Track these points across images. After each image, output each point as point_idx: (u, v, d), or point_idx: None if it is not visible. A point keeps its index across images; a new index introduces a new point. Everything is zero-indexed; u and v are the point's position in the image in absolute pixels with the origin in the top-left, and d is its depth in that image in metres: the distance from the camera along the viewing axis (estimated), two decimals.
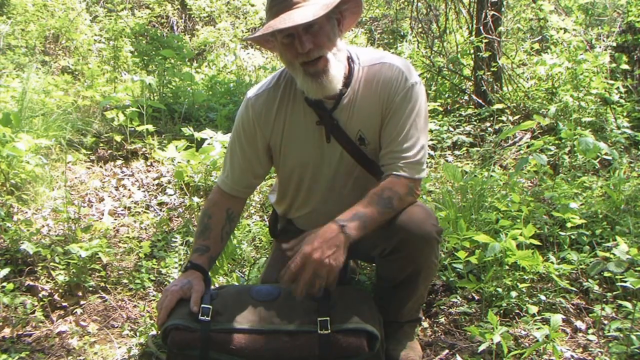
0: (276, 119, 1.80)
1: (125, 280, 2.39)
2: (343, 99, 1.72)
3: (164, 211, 3.10)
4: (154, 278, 2.41)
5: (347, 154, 1.77)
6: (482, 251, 2.10)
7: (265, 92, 1.82)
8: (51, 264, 2.35)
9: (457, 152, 3.76)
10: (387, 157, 1.70)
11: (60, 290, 2.29)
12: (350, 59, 1.74)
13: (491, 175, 2.86)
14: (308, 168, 1.83)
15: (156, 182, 3.49)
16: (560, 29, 4.25)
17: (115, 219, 2.98)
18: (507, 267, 2.12)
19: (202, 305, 1.64)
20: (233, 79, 5.78)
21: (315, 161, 1.81)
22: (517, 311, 2.02)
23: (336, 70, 1.65)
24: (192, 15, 8.71)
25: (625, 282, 1.93)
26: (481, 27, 4.47)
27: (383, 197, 1.61)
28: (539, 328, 1.85)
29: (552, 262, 2.13)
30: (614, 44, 4.38)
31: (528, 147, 3.41)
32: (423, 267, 1.69)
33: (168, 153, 3.28)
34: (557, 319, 1.77)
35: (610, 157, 3.00)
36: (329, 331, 1.58)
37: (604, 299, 2.07)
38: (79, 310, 2.20)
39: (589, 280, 2.13)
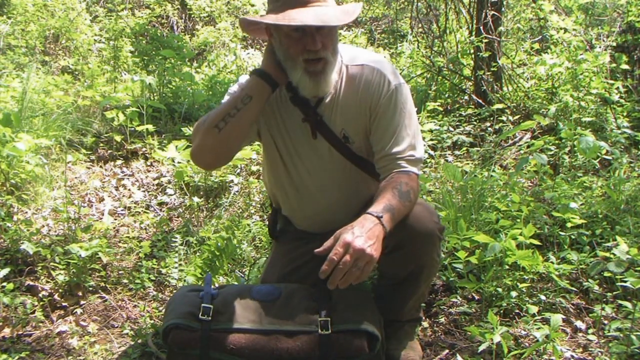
0: (272, 113, 1.82)
1: (125, 280, 2.39)
2: (326, 97, 1.74)
3: (164, 211, 3.10)
4: (154, 278, 2.41)
5: (335, 151, 1.79)
6: (482, 251, 2.10)
7: None
8: (51, 264, 2.35)
9: (457, 152, 3.75)
10: (385, 159, 1.71)
11: (60, 290, 2.29)
12: None
13: (491, 175, 2.85)
14: (301, 164, 1.84)
15: (156, 182, 3.49)
16: (560, 29, 4.24)
17: (115, 219, 2.98)
18: (507, 267, 2.12)
19: (203, 305, 1.64)
20: (233, 79, 5.77)
21: (306, 158, 1.82)
22: (517, 311, 2.03)
23: (333, 73, 1.67)
24: (192, 15, 8.70)
25: (625, 282, 1.93)
26: (481, 27, 4.47)
27: (403, 191, 1.61)
28: (539, 328, 1.85)
29: (552, 262, 2.14)
30: (614, 44, 4.37)
31: (528, 147, 3.41)
32: (425, 265, 1.70)
33: (168, 153, 3.28)
34: (557, 319, 1.77)
35: (610, 157, 3.01)
36: (330, 331, 1.58)
37: (604, 299, 2.07)
38: (79, 310, 2.20)
39: (589, 280, 2.13)
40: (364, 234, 1.45)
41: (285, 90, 1.76)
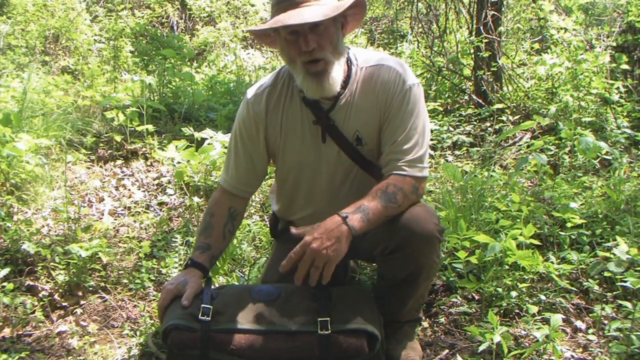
0: (274, 117, 1.81)
1: (125, 280, 2.39)
2: (340, 99, 1.74)
3: (164, 211, 3.10)
4: (154, 278, 2.41)
5: (344, 154, 1.78)
6: (482, 251, 2.10)
7: (264, 91, 1.83)
8: (51, 264, 2.35)
9: (457, 152, 3.76)
10: (387, 158, 1.71)
11: (60, 290, 2.29)
12: (349, 60, 1.75)
13: (491, 175, 2.86)
14: (305, 167, 1.83)
15: (156, 182, 3.49)
16: (560, 29, 4.25)
17: (115, 219, 2.98)
18: (507, 267, 2.12)
19: (202, 305, 1.64)
20: (233, 79, 5.78)
21: (313, 161, 1.81)
22: (517, 311, 2.02)
23: (336, 73, 1.67)
24: (192, 15, 8.71)
25: (625, 282, 1.93)
26: (481, 27, 4.47)
27: (387, 192, 1.62)
28: (539, 328, 1.85)
29: (552, 262, 2.13)
30: (614, 44, 4.38)
31: (528, 147, 3.41)
32: (424, 266, 1.70)
33: (168, 153, 3.28)
34: (557, 319, 1.77)
35: (610, 157, 3.01)
36: (329, 331, 1.58)
37: (604, 299, 2.07)
38: (79, 310, 2.20)
39: (589, 280, 2.13)
40: (322, 235, 1.53)
41: (298, 91, 1.76)
